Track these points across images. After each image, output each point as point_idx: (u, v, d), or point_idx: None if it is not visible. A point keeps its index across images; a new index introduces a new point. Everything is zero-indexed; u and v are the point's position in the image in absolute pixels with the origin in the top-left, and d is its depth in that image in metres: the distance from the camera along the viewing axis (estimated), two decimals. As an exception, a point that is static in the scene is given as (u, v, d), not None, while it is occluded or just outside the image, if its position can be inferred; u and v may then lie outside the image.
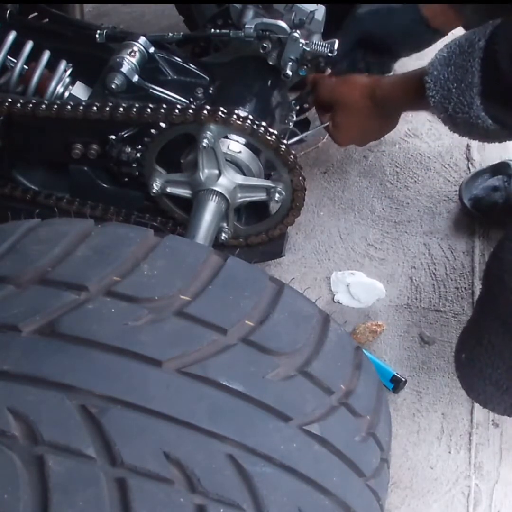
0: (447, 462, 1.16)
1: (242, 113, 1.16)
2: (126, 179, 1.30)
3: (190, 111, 1.14)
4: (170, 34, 1.33)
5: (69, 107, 1.18)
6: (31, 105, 1.19)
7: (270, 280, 0.66)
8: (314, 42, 1.30)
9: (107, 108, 1.17)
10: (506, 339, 0.87)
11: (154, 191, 1.22)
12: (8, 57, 1.28)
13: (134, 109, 1.17)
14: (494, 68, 0.89)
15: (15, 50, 1.27)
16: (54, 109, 1.18)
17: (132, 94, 1.24)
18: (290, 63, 1.29)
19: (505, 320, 0.86)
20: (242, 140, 1.19)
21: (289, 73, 1.29)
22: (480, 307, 0.98)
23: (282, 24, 1.28)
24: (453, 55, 0.95)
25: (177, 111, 1.15)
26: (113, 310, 0.56)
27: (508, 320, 0.85)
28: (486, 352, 0.91)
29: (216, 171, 1.18)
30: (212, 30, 1.34)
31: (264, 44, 1.28)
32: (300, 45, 1.28)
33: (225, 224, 1.27)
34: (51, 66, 1.27)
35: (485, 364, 0.93)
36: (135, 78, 1.24)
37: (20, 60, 1.25)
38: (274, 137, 1.17)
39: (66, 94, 1.27)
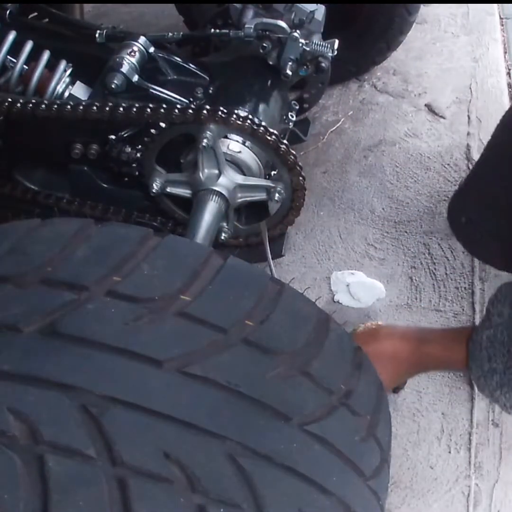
0: (447, 462, 1.16)
1: (242, 113, 1.16)
2: (126, 179, 1.30)
3: (190, 111, 1.14)
4: (170, 34, 1.33)
5: (69, 107, 1.18)
6: (31, 105, 1.19)
7: (270, 280, 0.66)
8: (314, 42, 1.30)
9: (107, 108, 1.17)
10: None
11: (154, 191, 1.22)
12: (8, 57, 1.28)
13: (134, 109, 1.17)
14: None
15: (15, 50, 1.27)
16: (54, 109, 1.18)
17: (132, 94, 1.24)
18: (290, 63, 1.29)
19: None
20: (242, 140, 1.20)
21: (289, 73, 1.29)
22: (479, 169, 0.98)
23: (282, 24, 1.28)
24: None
25: (177, 111, 1.15)
26: (113, 310, 0.55)
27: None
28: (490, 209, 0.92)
29: (216, 171, 1.18)
30: (212, 30, 1.34)
31: (264, 44, 1.28)
32: (300, 45, 1.28)
33: (225, 224, 1.27)
34: (51, 66, 1.27)
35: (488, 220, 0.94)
36: (135, 78, 1.24)
37: (20, 60, 1.25)
38: (274, 137, 1.17)
39: (66, 94, 1.27)
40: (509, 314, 0.87)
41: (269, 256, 1.24)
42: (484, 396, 0.93)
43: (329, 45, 1.31)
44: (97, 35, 1.31)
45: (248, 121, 1.14)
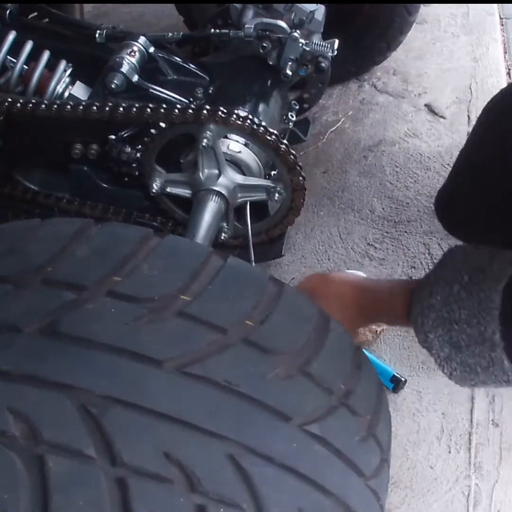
0: (447, 462, 1.16)
1: (242, 113, 1.16)
2: (126, 179, 1.30)
3: (190, 111, 1.14)
4: (170, 34, 1.33)
5: (69, 107, 1.18)
6: (31, 105, 1.19)
7: (270, 280, 0.66)
8: (314, 42, 1.30)
9: (107, 108, 1.17)
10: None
11: (154, 191, 1.22)
12: (8, 57, 1.28)
13: (134, 109, 1.17)
14: None
15: (15, 50, 1.27)
16: (54, 109, 1.18)
17: (132, 94, 1.24)
18: (290, 63, 1.29)
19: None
20: (243, 140, 1.20)
21: (289, 73, 1.29)
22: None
23: (282, 24, 1.28)
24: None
25: (176, 111, 1.15)
26: (113, 310, 0.55)
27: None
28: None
29: (216, 171, 1.18)
30: (212, 30, 1.34)
31: (264, 44, 1.28)
32: (300, 45, 1.28)
33: (225, 224, 1.27)
34: (51, 66, 1.27)
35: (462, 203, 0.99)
36: (135, 78, 1.24)
37: (20, 60, 1.26)
38: (274, 137, 1.17)
39: (66, 94, 1.27)
40: (461, 260, 0.88)
41: (250, 230, 1.25)
42: (420, 344, 0.91)
43: (329, 45, 1.31)
44: (97, 35, 1.31)
45: (248, 121, 1.14)
